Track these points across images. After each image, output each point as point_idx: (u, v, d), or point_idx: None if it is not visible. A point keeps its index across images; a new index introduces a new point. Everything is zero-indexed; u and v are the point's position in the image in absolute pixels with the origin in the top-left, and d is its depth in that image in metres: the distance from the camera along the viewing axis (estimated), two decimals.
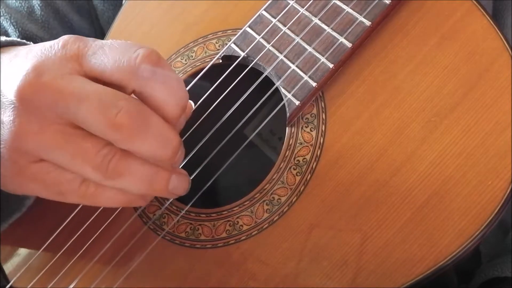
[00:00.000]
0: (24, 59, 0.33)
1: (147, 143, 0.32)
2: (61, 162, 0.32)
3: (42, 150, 0.32)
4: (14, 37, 0.52)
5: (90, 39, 0.33)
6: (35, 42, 0.53)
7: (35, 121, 0.32)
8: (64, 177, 0.33)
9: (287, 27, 0.41)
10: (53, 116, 0.32)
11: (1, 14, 0.53)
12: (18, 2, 0.55)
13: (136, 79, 0.32)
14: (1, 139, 0.33)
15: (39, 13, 0.54)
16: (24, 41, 0.40)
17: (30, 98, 0.31)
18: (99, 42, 0.33)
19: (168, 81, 0.32)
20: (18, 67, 0.32)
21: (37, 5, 0.55)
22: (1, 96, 0.33)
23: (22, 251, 0.42)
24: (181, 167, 0.38)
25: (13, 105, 0.32)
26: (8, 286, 0.40)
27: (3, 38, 0.39)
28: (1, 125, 0.32)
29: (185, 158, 0.39)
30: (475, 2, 0.38)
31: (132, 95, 0.33)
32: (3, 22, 0.53)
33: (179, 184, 0.35)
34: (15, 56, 0.35)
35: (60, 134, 0.32)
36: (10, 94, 0.32)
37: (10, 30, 0.52)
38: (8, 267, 0.41)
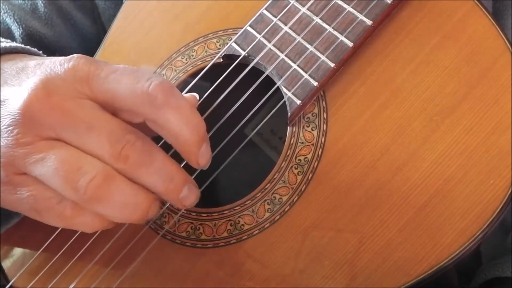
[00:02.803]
0: (32, 72, 0.33)
1: (149, 177, 0.32)
2: (42, 175, 0.32)
3: (28, 162, 0.32)
4: (17, 34, 0.52)
5: (101, 62, 0.33)
6: (38, 38, 0.53)
7: (30, 135, 0.31)
8: (43, 194, 0.33)
9: (288, 26, 0.41)
10: (51, 134, 0.31)
11: (5, 11, 0.53)
12: None
13: (148, 106, 0.32)
14: None
15: (42, 10, 0.55)
16: (28, 47, 0.40)
17: (36, 114, 0.31)
18: (110, 66, 0.33)
19: (181, 109, 0.32)
20: (26, 80, 0.32)
21: (40, 2, 0.55)
22: (2, 105, 0.32)
23: (22, 251, 0.42)
24: (183, 166, 0.38)
25: (14, 116, 0.32)
26: (8, 286, 0.40)
27: (8, 44, 0.38)
28: None
29: None
30: (476, 2, 0.38)
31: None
32: (7, 19, 0.53)
33: (154, 213, 0.34)
34: (23, 68, 0.34)
35: (49, 147, 0.31)
36: (15, 105, 0.32)
37: (14, 27, 0.53)
38: (8, 267, 0.41)
